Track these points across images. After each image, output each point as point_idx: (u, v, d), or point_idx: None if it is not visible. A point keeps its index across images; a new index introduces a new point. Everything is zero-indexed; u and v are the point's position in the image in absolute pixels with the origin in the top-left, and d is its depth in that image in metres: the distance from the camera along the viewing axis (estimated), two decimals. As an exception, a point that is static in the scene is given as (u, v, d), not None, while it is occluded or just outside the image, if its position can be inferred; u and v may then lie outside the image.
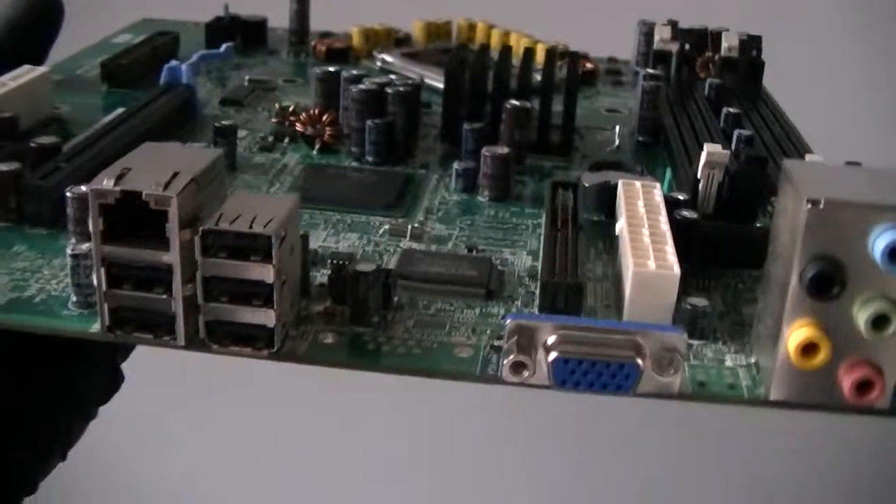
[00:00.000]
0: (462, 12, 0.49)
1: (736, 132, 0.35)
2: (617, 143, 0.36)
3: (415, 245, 0.29)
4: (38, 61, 0.38)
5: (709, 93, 0.40)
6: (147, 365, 0.38)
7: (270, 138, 0.35)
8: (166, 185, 0.23)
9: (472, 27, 0.47)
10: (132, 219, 0.23)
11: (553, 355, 0.22)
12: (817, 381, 0.23)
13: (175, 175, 0.23)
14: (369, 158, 0.34)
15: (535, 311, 0.26)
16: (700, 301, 0.25)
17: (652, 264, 0.25)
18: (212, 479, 0.72)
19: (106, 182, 0.23)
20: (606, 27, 0.49)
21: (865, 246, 0.22)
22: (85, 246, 0.25)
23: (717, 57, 0.42)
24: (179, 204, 0.23)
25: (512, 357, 0.22)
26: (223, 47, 0.42)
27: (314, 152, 0.35)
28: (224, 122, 0.33)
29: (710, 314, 0.25)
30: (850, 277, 0.22)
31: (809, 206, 0.21)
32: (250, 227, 0.23)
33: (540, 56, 0.44)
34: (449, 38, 0.47)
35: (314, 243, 0.28)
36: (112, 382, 0.34)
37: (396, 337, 0.25)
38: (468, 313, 0.26)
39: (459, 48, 0.39)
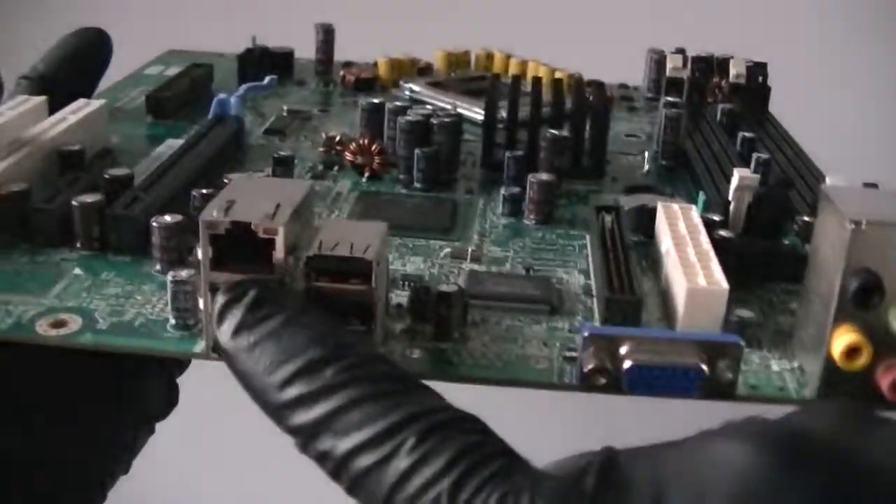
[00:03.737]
0: (470, 41, 0.51)
1: (754, 156, 0.38)
2: (647, 167, 0.39)
3: (476, 266, 0.31)
4: (88, 94, 0.40)
5: (720, 118, 0.44)
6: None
7: (321, 167, 0.38)
8: (273, 216, 0.25)
9: (489, 56, 0.50)
10: (232, 247, 0.25)
11: (628, 363, 0.25)
12: (858, 381, 0.26)
13: (278, 206, 0.25)
14: (417, 185, 0.36)
15: (597, 325, 0.28)
16: (746, 313, 0.28)
17: (702, 280, 0.28)
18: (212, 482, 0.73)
19: (216, 213, 0.25)
20: (608, 54, 0.52)
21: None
22: (184, 273, 0.27)
23: (724, 83, 0.45)
24: (286, 232, 0.25)
25: (591, 365, 0.25)
26: (267, 79, 0.44)
27: (363, 180, 0.37)
28: (281, 153, 0.35)
29: (756, 324, 0.28)
30: (888, 288, 0.25)
31: (853, 226, 0.24)
32: (351, 252, 0.25)
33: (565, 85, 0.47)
34: (468, 66, 0.50)
35: (383, 266, 0.31)
36: (171, 396, 0.36)
37: (477, 351, 0.27)
38: (536, 328, 0.28)
39: (493, 79, 0.42)
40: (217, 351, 0.25)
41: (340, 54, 0.50)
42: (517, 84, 0.40)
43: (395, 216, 0.34)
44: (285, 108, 0.43)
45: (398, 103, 0.38)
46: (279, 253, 0.25)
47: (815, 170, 0.39)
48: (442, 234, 0.33)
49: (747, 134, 0.40)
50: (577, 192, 0.37)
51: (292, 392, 0.22)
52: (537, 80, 0.40)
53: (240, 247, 0.25)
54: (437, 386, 0.27)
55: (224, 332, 0.24)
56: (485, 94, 0.39)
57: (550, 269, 0.31)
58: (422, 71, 0.49)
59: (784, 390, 0.26)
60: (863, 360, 0.25)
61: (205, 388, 0.68)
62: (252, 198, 0.26)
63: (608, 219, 0.33)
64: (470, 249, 0.32)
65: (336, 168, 0.38)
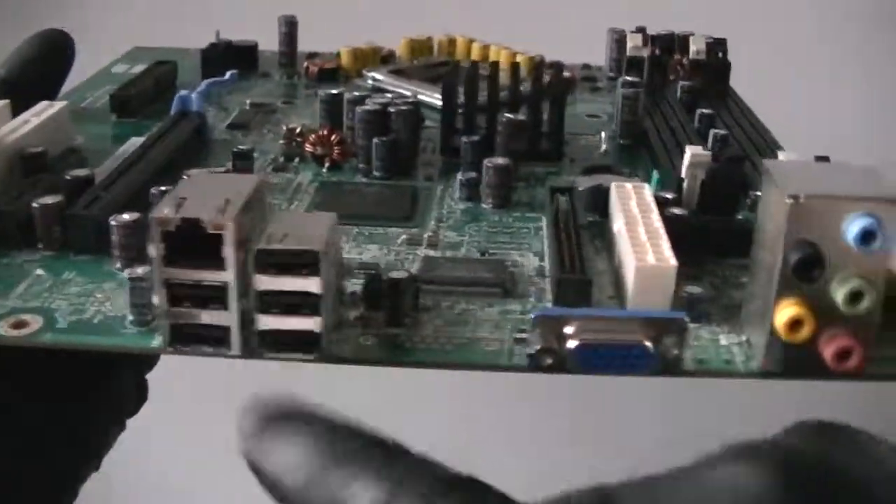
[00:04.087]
0: (434, 27, 0.52)
1: (711, 132, 0.38)
2: (604, 147, 0.40)
3: (432, 252, 0.32)
4: (52, 96, 0.40)
5: (681, 95, 0.44)
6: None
7: (281, 159, 0.38)
8: (222, 211, 0.26)
9: (452, 42, 0.50)
10: (185, 243, 0.26)
11: (573, 343, 0.25)
12: (804, 353, 0.26)
13: (228, 201, 0.26)
14: (377, 174, 0.37)
15: (549, 305, 0.29)
16: (696, 289, 0.29)
17: (651, 258, 0.28)
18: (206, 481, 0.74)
19: (167, 211, 0.25)
20: (573, 36, 0.53)
21: (840, 232, 0.25)
22: (141, 270, 0.28)
23: (685, 60, 0.46)
24: (235, 227, 0.25)
25: (537, 346, 0.25)
26: (228, 74, 0.44)
27: (324, 171, 0.37)
28: (241, 147, 0.36)
29: (704, 299, 0.28)
30: (828, 260, 0.25)
31: (791, 200, 0.25)
32: (298, 245, 0.26)
33: (525, 68, 0.47)
34: (431, 53, 0.50)
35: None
36: (140, 393, 0.37)
37: (429, 336, 0.27)
38: (489, 311, 0.29)
39: (453, 65, 0.42)
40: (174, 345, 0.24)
41: (307, 46, 0.50)
42: (475, 69, 0.40)
43: (354, 205, 0.34)
44: (248, 101, 0.43)
45: (357, 93, 0.38)
46: (228, 248, 0.25)
47: (773, 144, 0.39)
48: (400, 221, 0.33)
49: (705, 110, 0.40)
50: (536, 174, 0.38)
51: None
52: (495, 65, 0.41)
53: (193, 243, 0.26)
54: (393, 371, 0.28)
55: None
56: (443, 81, 0.39)
57: (505, 252, 0.32)
58: (385, 59, 0.49)
59: (731, 363, 0.27)
60: (806, 331, 0.26)
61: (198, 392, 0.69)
62: (204, 194, 0.26)
63: (563, 200, 0.33)
64: (426, 235, 0.32)
65: (297, 160, 0.38)
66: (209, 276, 0.26)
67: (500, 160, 0.35)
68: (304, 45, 0.50)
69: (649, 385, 0.28)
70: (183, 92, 0.39)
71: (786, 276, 0.25)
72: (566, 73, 0.48)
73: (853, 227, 0.25)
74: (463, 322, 0.28)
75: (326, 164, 0.37)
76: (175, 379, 0.64)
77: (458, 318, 0.28)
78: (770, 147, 0.38)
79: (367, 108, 0.37)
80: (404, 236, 0.32)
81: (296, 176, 0.37)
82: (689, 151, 0.34)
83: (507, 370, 0.26)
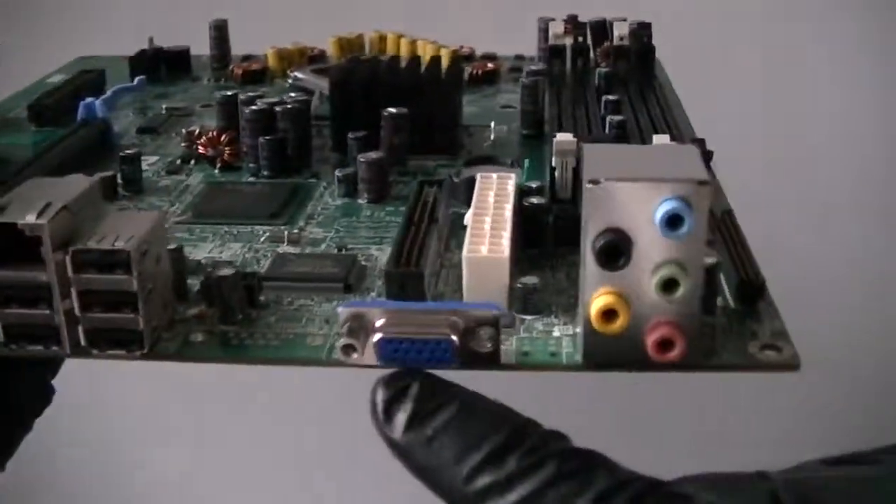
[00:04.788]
0: (384, 25, 0.52)
1: (609, 118, 0.37)
2: (492, 137, 0.39)
3: (291, 249, 0.32)
4: None
5: (599, 82, 0.43)
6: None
7: (178, 161, 0.38)
8: (39, 214, 0.26)
9: (382, 39, 0.50)
10: (16, 247, 0.26)
11: (377, 336, 0.25)
12: (625, 343, 0.25)
13: (48, 205, 0.26)
14: (265, 173, 0.37)
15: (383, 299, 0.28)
16: (530, 279, 0.28)
17: (484, 249, 0.28)
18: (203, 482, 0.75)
19: (-14, 216, 0.26)
20: (513, 27, 0.52)
21: (649, 217, 0.24)
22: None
23: (608, 46, 0.45)
24: (51, 230, 0.26)
25: (343, 340, 0.25)
26: (136, 80, 0.45)
27: (216, 171, 0.38)
28: (128, 151, 0.36)
29: (539, 291, 0.28)
30: (637, 247, 0.24)
31: (590, 185, 0.24)
32: (113, 244, 0.26)
33: (445, 60, 0.47)
34: (362, 51, 0.50)
35: (200, 254, 0.31)
36: (43, 395, 0.37)
37: (258, 332, 0.27)
38: (326, 307, 0.28)
39: (349, 60, 0.42)
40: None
41: (246, 49, 0.51)
42: (375, 64, 0.40)
43: (227, 205, 0.35)
44: (164, 106, 0.44)
45: (251, 94, 0.39)
46: (46, 249, 0.26)
47: (678, 131, 0.38)
48: (269, 219, 0.34)
49: (611, 97, 0.39)
50: (426, 168, 0.37)
51: (481, 482, 0.23)
52: (394, 59, 0.40)
53: (18, 247, 0.26)
54: (226, 368, 0.28)
55: (396, 428, 0.24)
56: (330, 78, 0.39)
57: (365, 246, 0.32)
58: (314, 59, 0.49)
59: (556, 356, 0.26)
60: (620, 322, 0.25)
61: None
62: (30, 198, 0.27)
63: (430, 192, 0.33)
64: (287, 232, 0.32)
65: (193, 162, 0.38)
66: (30, 277, 0.26)
67: (373, 155, 0.35)
68: (243, 48, 0.51)
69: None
70: (88, 99, 0.40)
71: (594, 264, 0.25)
72: (490, 65, 0.47)
73: (660, 211, 0.24)
74: (297, 318, 0.28)
75: (218, 165, 0.38)
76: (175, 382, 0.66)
77: (294, 314, 0.28)
78: (672, 132, 0.37)
79: (253, 108, 0.37)
80: (268, 234, 0.33)
81: (187, 178, 0.37)
82: (557, 138, 0.33)
83: (324, 365, 0.26)
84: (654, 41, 0.46)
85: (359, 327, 0.25)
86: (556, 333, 0.27)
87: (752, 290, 0.28)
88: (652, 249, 0.24)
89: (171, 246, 0.29)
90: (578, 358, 0.26)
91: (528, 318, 0.28)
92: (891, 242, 0.66)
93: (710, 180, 0.24)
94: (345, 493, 0.75)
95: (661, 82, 0.44)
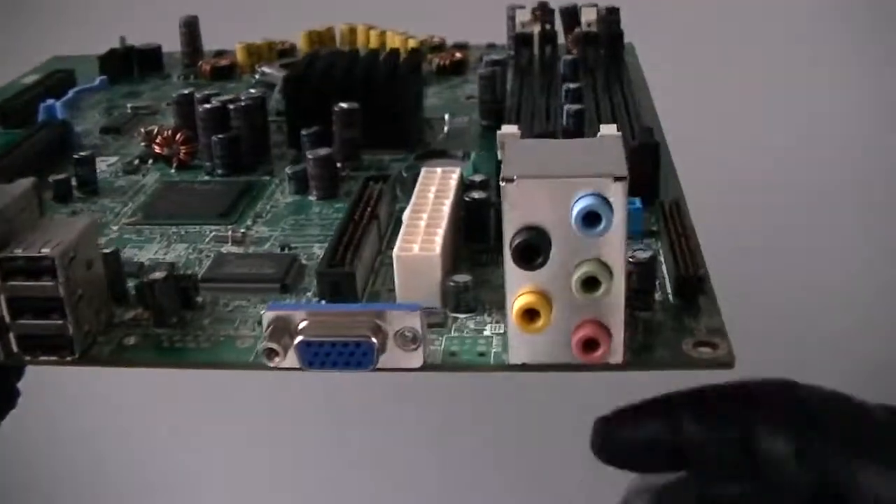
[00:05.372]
0: (359, 17, 0.51)
1: (566, 107, 0.37)
2: (446, 129, 0.39)
3: (234, 249, 0.32)
4: None
5: (564, 70, 0.42)
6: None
7: (136, 161, 0.38)
8: (-35, 223, 0.26)
9: (353, 31, 0.49)
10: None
11: (298, 339, 0.25)
12: (552, 342, 0.25)
13: (-25, 213, 0.26)
14: (220, 171, 0.37)
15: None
16: (462, 277, 0.28)
17: (416, 247, 0.28)
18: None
19: (-87, 225, 0.26)
20: (495, 15, 0.51)
21: (566, 214, 0.24)
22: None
23: (576, 32, 0.44)
24: (-26, 237, 0.26)
25: (265, 344, 0.25)
26: (97, 80, 0.45)
27: (172, 170, 0.38)
28: (82, 153, 0.36)
29: (471, 289, 0.27)
30: (556, 245, 0.24)
31: (504, 183, 0.24)
32: (39, 251, 0.26)
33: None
34: (333, 43, 0.49)
35: (145, 256, 0.31)
36: (9, 398, 0.38)
37: (190, 335, 0.27)
38: (261, 308, 0.28)
39: (308, 55, 0.42)
40: None
41: (218, 44, 0.51)
42: (332, 59, 0.40)
43: (179, 205, 0.35)
44: (129, 105, 0.44)
45: (206, 92, 0.39)
46: (-31, 257, 0.26)
47: (639, 118, 0.37)
48: (217, 219, 0.33)
49: (572, 85, 0.39)
50: (380, 163, 0.37)
51: None
52: (352, 53, 0.40)
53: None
54: (165, 373, 0.28)
55: None
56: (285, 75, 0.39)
57: (309, 245, 0.32)
58: (284, 53, 0.49)
59: (485, 356, 0.26)
60: (542, 322, 0.24)
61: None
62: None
63: (374, 189, 0.33)
64: (231, 233, 0.32)
65: (151, 161, 0.38)
66: (-41, 286, 0.27)
67: (322, 152, 0.34)
68: (217, 43, 0.51)
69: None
70: (48, 101, 0.40)
71: (511, 263, 0.24)
72: (458, 55, 0.47)
73: (575, 210, 0.23)
74: (231, 320, 0.28)
75: (174, 164, 0.38)
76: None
77: (228, 315, 0.28)
78: (630, 121, 0.36)
79: (206, 106, 0.37)
80: (213, 234, 0.32)
81: (143, 178, 0.37)
82: (500, 131, 0.32)
83: (250, 369, 0.26)
84: (628, 27, 0.45)
85: (282, 330, 0.25)
86: (486, 332, 0.27)
87: (689, 284, 0.28)
88: (571, 248, 0.24)
89: (108, 249, 0.29)
90: (506, 358, 0.26)
91: (461, 316, 0.27)
92: (858, 242, 0.65)
93: (626, 175, 0.23)
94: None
95: (630, 69, 0.43)
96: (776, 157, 0.63)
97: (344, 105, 0.36)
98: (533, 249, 0.24)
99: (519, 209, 0.24)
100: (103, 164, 0.38)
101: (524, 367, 0.25)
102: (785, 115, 0.63)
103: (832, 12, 0.64)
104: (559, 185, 0.23)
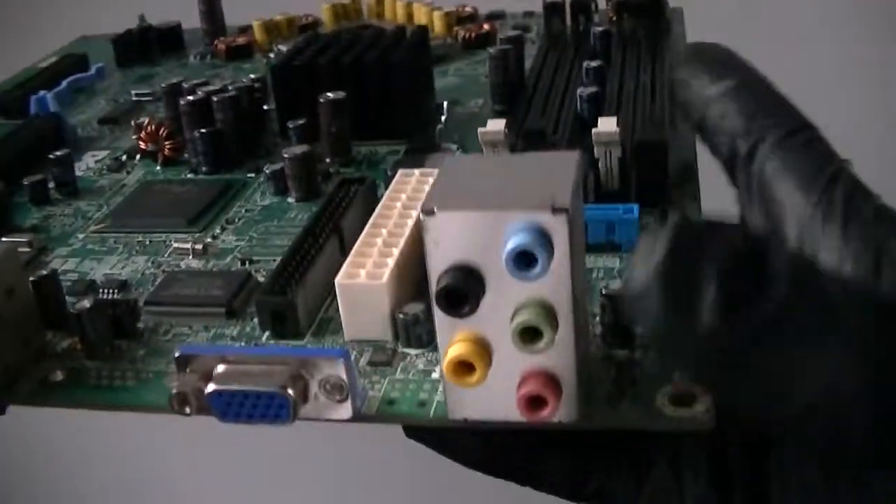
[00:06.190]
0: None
1: (579, 91, 0.32)
2: (444, 118, 0.35)
3: (194, 262, 0.29)
4: None
5: (594, 43, 0.37)
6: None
7: (124, 156, 0.36)
8: None
9: (380, 2, 0.45)
10: None
11: (210, 387, 0.22)
12: (494, 396, 0.21)
13: None
14: (204, 168, 0.34)
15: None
16: (414, 307, 0.24)
17: (363, 273, 0.24)
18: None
19: None
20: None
21: (501, 251, 0.20)
22: None
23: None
24: None
25: (174, 390, 0.22)
26: (94, 69, 0.43)
27: (157, 167, 0.35)
28: (57, 153, 0.34)
29: (423, 322, 0.24)
30: (491, 287, 0.20)
31: (423, 215, 0.20)
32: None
33: (439, 27, 0.43)
34: (359, 16, 0.46)
35: (100, 271, 0.29)
36: None
37: (118, 370, 0.25)
38: (202, 336, 0.26)
39: (305, 38, 0.38)
40: None
41: (243, 19, 0.48)
42: (336, 39, 0.36)
43: (149, 209, 0.32)
44: (134, 92, 0.42)
45: (195, 81, 0.36)
46: None
47: (661, 107, 0.32)
48: (186, 226, 0.31)
49: (592, 63, 0.34)
50: (375, 155, 0.34)
51: None
52: (359, 33, 0.36)
53: None
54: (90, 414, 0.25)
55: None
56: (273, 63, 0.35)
57: (271, 258, 0.28)
58: (306, 28, 0.45)
59: (425, 406, 0.22)
60: (477, 376, 0.21)
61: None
62: None
63: (342, 196, 0.29)
64: (191, 245, 0.29)
65: (138, 157, 0.36)
66: None
67: (298, 150, 0.31)
68: (241, 19, 0.48)
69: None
70: (41, 93, 0.39)
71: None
72: (486, 27, 0.42)
73: (506, 248, 0.19)
74: (166, 352, 0.25)
75: (159, 160, 0.35)
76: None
77: (165, 346, 0.26)
78: (660, 108, 0.31)
79: (189, 98, 0.34)
80: (175, 245, 0.30)
81: (127, 176, 0.35)
82: (486, 127, 0.28)
83: (167, 412, 0.23)
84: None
85: (196, 375, 0.22)
86: (434, 375, 0.23)
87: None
88: (508, 289, 0.20)
89: (44, 272, 0.27)
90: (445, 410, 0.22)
91: (412, 352, 0.24)
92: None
93: (567, 207, 0.19)
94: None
95: (673, 40, 0.38)
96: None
97: (330, 95, 0.33)
98: (460, 295, 0.20)
99: (445, 246, 0.20)
100: (92, 160, 0.36)
101: (465, 423, 0.22)
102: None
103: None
104: (487, 219, 0.19)
